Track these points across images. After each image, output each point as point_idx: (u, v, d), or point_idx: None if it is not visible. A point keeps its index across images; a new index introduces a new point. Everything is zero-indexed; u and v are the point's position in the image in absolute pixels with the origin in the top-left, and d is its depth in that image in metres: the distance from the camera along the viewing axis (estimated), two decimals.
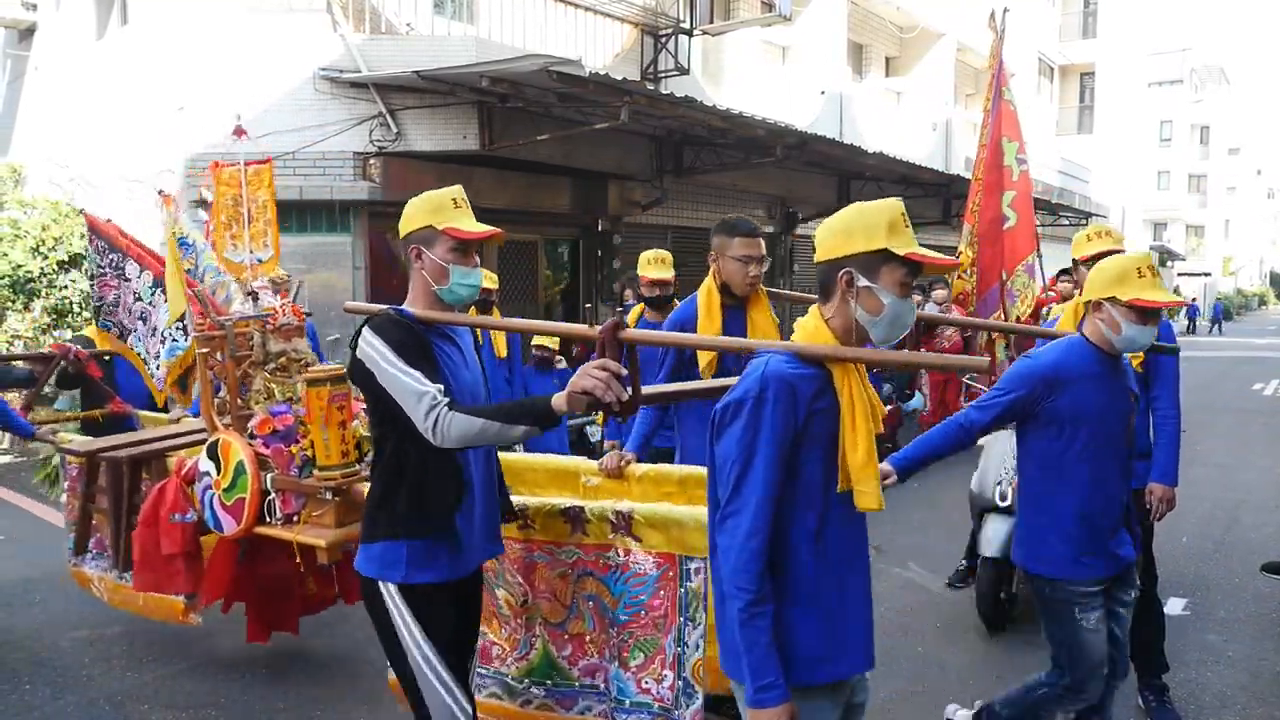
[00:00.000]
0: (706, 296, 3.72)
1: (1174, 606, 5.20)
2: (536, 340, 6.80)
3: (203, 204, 5.73)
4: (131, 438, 4.35)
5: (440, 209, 2.57)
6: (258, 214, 4.33)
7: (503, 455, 3.79)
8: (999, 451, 5.06)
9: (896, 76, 18.63)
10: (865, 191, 13.84)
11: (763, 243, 3.65)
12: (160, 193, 5.18)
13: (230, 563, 3.72)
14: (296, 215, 8.28)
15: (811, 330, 2.11)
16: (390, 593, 2.38)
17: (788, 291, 4.13)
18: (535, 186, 9.63)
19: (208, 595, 3.84)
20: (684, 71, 11.15)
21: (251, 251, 4.29)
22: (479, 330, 6.17)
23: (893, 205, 2.16)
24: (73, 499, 4.35)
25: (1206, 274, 50.60)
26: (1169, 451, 3.78)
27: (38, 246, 8.84)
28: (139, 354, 4.92)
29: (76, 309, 9.08)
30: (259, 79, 8.09)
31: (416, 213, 2.60)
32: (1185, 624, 4.96)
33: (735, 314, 3.74)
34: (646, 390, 2.48)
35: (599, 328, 2.23)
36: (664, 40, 11.15)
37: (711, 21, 11.49)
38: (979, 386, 6.57)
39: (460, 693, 2.43)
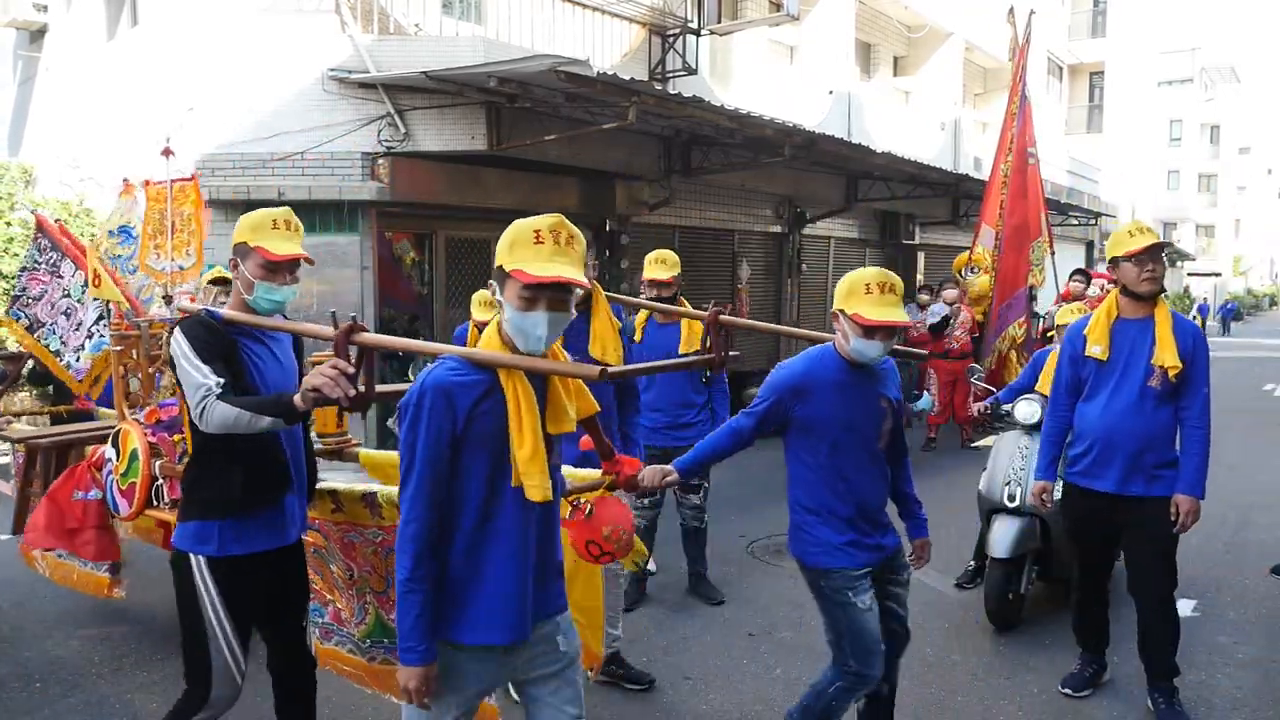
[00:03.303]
0: None
1: (1184, 608, 5.17)
2: None
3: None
4: (66, 428, 4.87)
5: (258, 228, 2.82)
6: (182, 226, 4.74)
7: (372, 453, 3.88)
8: (1007, 453, 5.05)
9: (904, 76, 18.58)
10: (874, 191, 13.82)
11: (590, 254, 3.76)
12: (125, 180, 5.37)
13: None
14: (305, 215, 8.15)
15: (488, 336, 2.31)
16: (200, 565, 2.70)
17: (627, 297, 4.13)
18: (543, 187, 9.64)
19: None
20: (692, 71, 11.14)
21: (173, 260, 4.67)
22: None
23: (525, 224, 2.27)
24: (17, 482, 4.77)
25: (1217, 274, 50.37)
26: (1194, 463, 3.70)
27: None
28: (50, 347, 5.30)
29: None
30: (268, 79, 8.12)
31: (241, 227, 2.84)
32: (1195, 625, 4.94)
33: (576, 320, 3.78)
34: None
35: (336, 330, 2.43)
36: (672, 40, 11.14)
37: (719, 21, 11.47)
38: (987, 387, 6.55)
39: (241, 654, 2.77)
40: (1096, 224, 22.46)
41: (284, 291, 2.87)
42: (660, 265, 5.02)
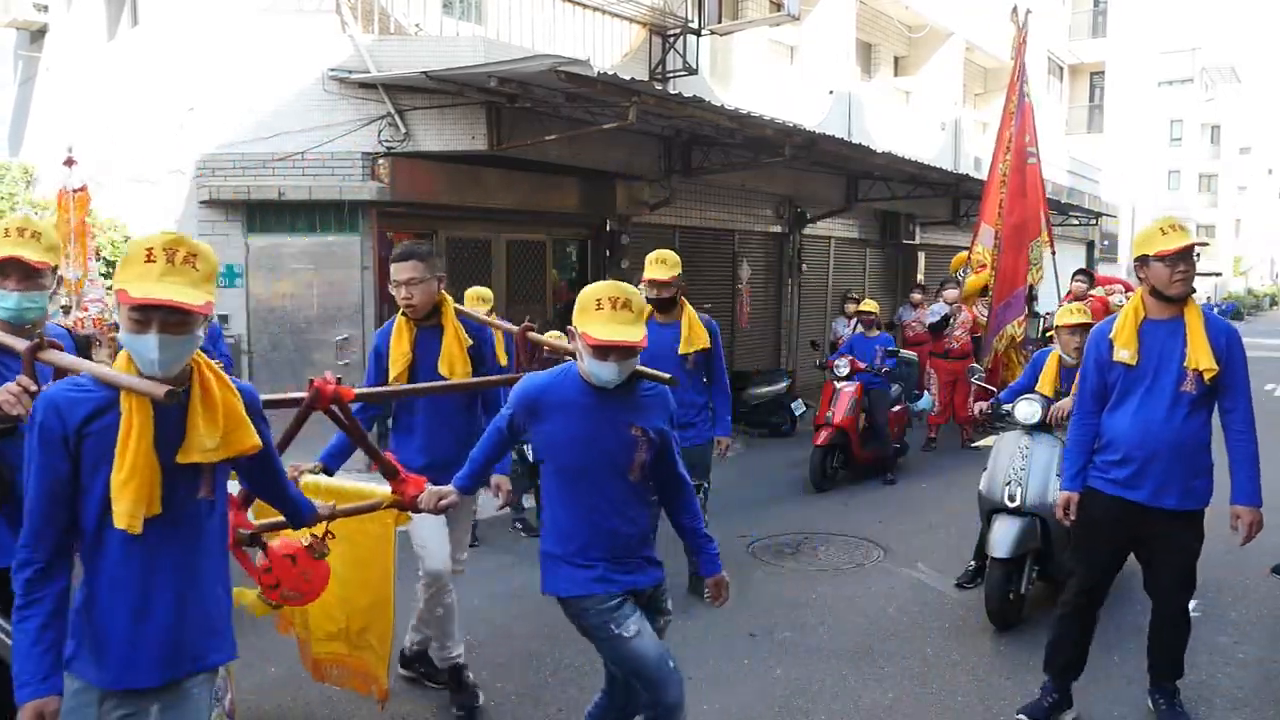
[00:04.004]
0: (399, 318, 3.87)
1: None
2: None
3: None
4: None
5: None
6: (76, 237, 4.74)
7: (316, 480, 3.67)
8: (1007, 453, 5.05)
9: (905, 76, 18.57)
10: (874, 191, 13.82)
11: (414, 265, 3.70)
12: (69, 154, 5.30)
13: None
14: (305, 215, 8.30)
15: (122, 354, 2.16)
16: None
17: (470, 311, 3.92)
18: (543, 186, 9.64)
19: None
20: (692, 71, 11.14)
21: (71, 270, 4.65)
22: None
23: (138, 242, 2.13)
24: None
25: (1217, 274, 50.29)
26: (1247, 471, 3.56)
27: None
28: None
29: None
30: (269, 79, 8.12)
31: None
32: (1196, 625, 4.91)
33: (426, 335, 3.84)
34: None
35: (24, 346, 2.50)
36: (672, 40, 11.14)
37: (720, 21, 11.46)
38: (987, 387, 6.55)
39: None
40: (1097, 224, 22.45)
41: (12, 298, 2.77)
42: (660, 265, 4.99)
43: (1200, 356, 3.43)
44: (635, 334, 2.65)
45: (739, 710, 4.02)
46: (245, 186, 8.10)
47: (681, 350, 5.02)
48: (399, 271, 3.72)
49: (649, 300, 5.09)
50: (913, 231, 16.86)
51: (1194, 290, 3.57)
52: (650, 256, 5.07)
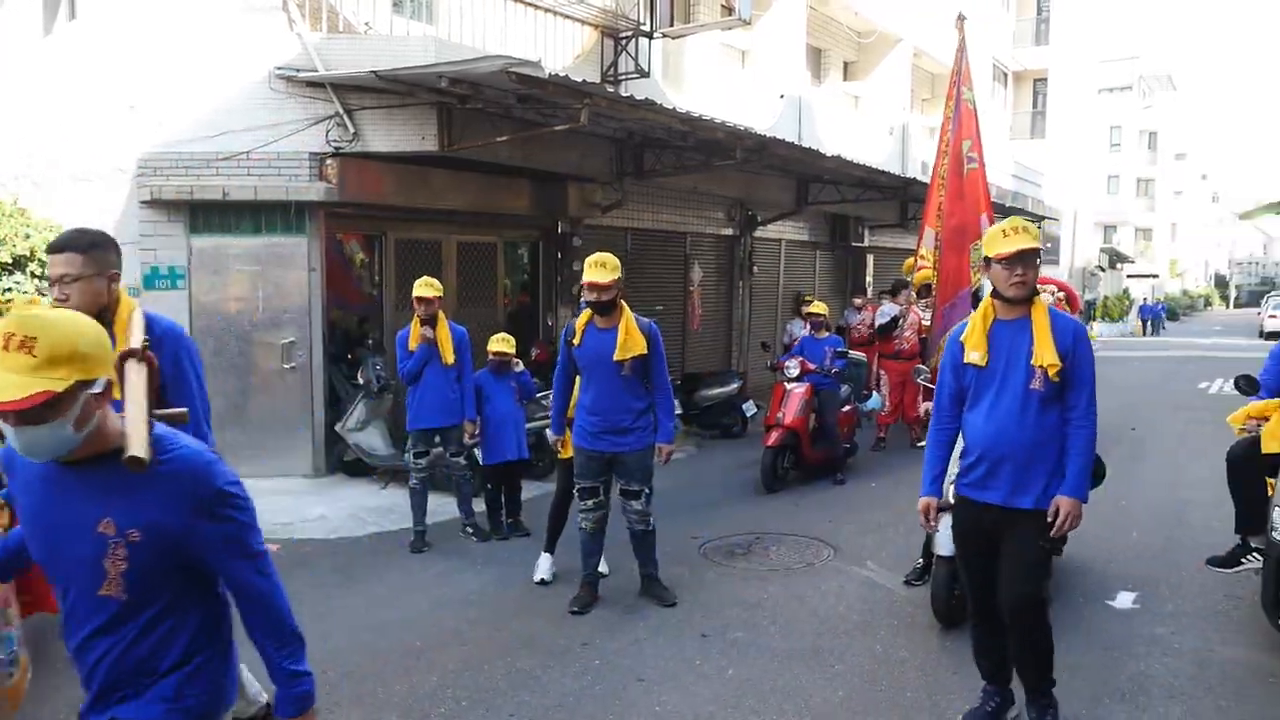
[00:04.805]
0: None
1: (1124, 600, 5.32)
2: (494, 347, 6.77)
3: None
4: None
5: None
6: None
7: None
8: (956, 454, 5.13)
9: (854, 81, 18.81)
10: (824, 194, 13.97)
11: (69, 259, 2.92)
12: None
13: None
14: (251, 216, 8.16)
15: None
16: None
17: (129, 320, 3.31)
18: (495, 188, 9.59)
19: None
20: (644, 74, 11.16)
21: None
22: (431, 341, 6.11)
23: None
24: None
25: (1154, 275, 51.73)
26: (1078, 464, 3.50)
27: None
28: None
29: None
30: (213, 77, 7.96)
31: None
32: (1134, 617, 5.07)
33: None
34: None
35: None
36: (624, 42, 11.15)
37: (672, 24, 11.50)
38: (932, 387, 6.65)
39: None
40: (1040, 227, 22.91)
41: None
42: (600, 268, 4.87)
43: (1045, 353, 3.42)
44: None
45: (691, 711, 4.03)
46: (188, 186, 7.94)
47: (617, 357, 4.93)
48: (51, 266, 2.99)
49: (588, 304, 4.97)
50: (862, 234, 17.10)
51: (1035, 293, 3.53)
52: (589, 260, 4.95)
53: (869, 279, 17.48)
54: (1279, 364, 4.80)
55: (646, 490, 5.18)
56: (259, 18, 8.00)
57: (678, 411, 10.00)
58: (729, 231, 13.72)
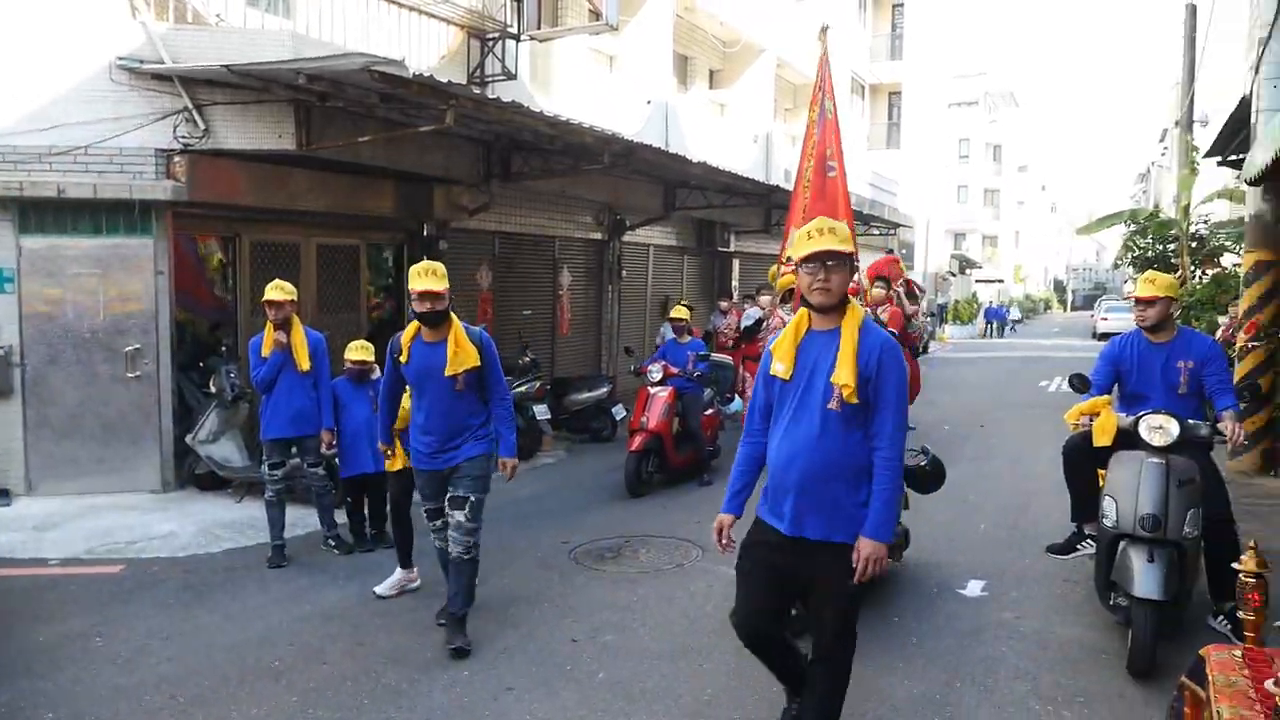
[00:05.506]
0: None
1: (974, 589, 5.60)
2: (351, 355, 6.55)
3: None
4: None
5: None
6: None
7: None
8: None
9: (720, 89, 19.20)
10: (690, 200, 14.19)
11: None
12: None
13: None
14: (90, 215, 7.66)
15: None
16: None
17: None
18: (358, 189, 9.32)
19: None
20: (511, 76, 11.08)
21: None
22: (285, 347, 5.78)
23: None
24: None
25: (1000, 280, 54.85)
26: (881, 499, 3.10)
27: None
28: None
29: None
30: (45, 65, 7.42)
31: None
32: (983, 604, 5.35)
33: None
34: None
35: None
36: (491, 44, 11.04)
37: (539, 27, 11.46)
38: None
39: None
40: (895, 234, 23.98)
41: None
42: (430, 276, 4.56)
43: (842, 371, 3.05)
44: None
45: (561, 717, 4.01)
46: (17, 182, 7.39)
47: (448, 372, 4.60)
48: None
49: (418, 316, 4.64)
50: (728, 239, 17.46)
51: (846, 301, 3.18)
52: (417, 268, 4.61)
53: (735, 283, 17.87)
54: (1108, 364, 5.12)
55: (473, 499, 4.67)
56: (98, 3, 7.53)
57: (545, 416, 10.04)
58: (598, 236, 13.77)
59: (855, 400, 3.05)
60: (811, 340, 3.21)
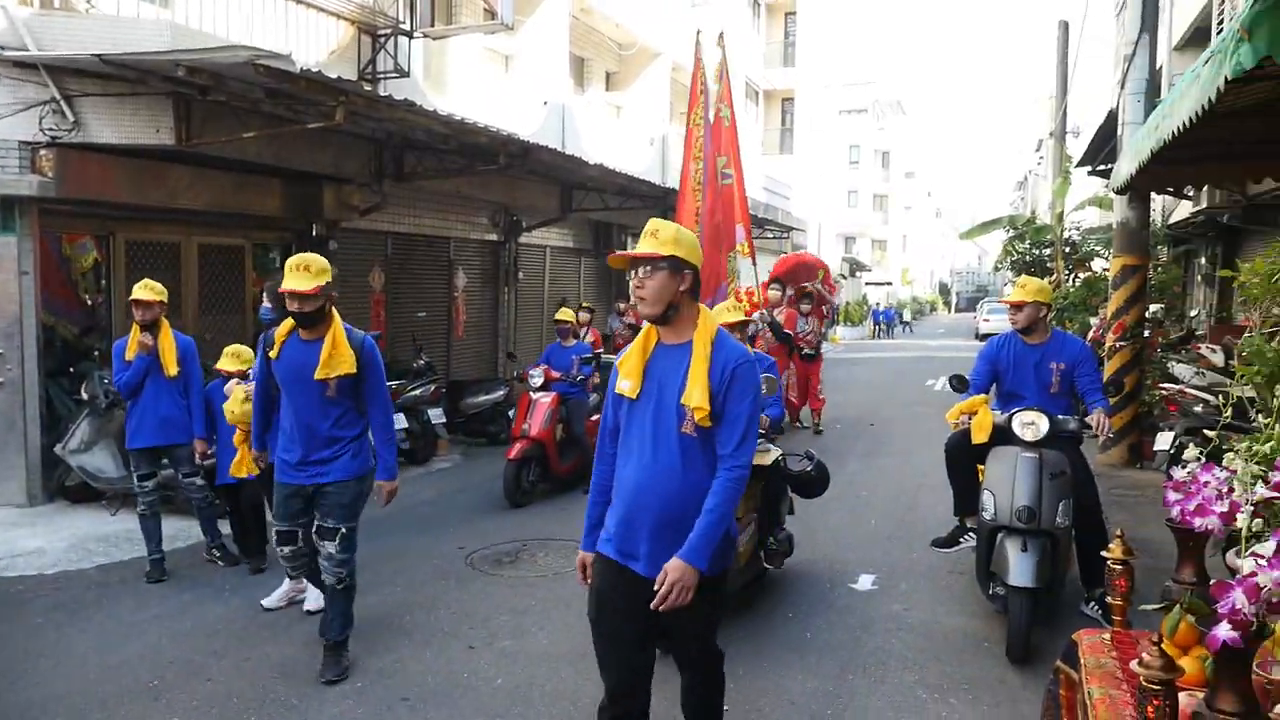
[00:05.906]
0: None
1: (865, 583, 5.77)
2: (223, 364, 6.15)
3: None
4: None
5: None
6: None
7: None
8: None
9: (616, 91, 19.27)
10: (587, 201, 14.19)
11: None
12: None
13: None
14: None
15: None
16: None
17: None
18: (242, 187, 8.98)
19: None
20: (404, 74, 10.87)
21: None
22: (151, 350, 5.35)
23: None
24: None
25: (889, 283, 56.61)
26: (705, 521, 2.74)
27: None
28: None
29: None
30: None
31: None
32: (874, 597, 5.51)
33: None
34: None
35: None
36: (383, 41, 10.81)
37: (433, 25, 11.28)
38: None
39: None
40: (789, 237, 24.51)
41: None
42: (302, 273, 4.12)
43: (694, 392, 2.76)
44: None
45: None
46: None
47: (318, 376, 4.18)
48: None
49: (291, 314, 4.23)
50: (625, 242, 17.52)
51: (671, 311, 2.85)
52: (291, 262, 4.20)
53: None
54: (985, 364, 5.34)
55: (344, 530, 4.30)
56: None
57: (441, 420, 9.85)
58: (493, 237, 13.63)
59: (709, 424, 2.77)
60: (662, 355, 2.89)
